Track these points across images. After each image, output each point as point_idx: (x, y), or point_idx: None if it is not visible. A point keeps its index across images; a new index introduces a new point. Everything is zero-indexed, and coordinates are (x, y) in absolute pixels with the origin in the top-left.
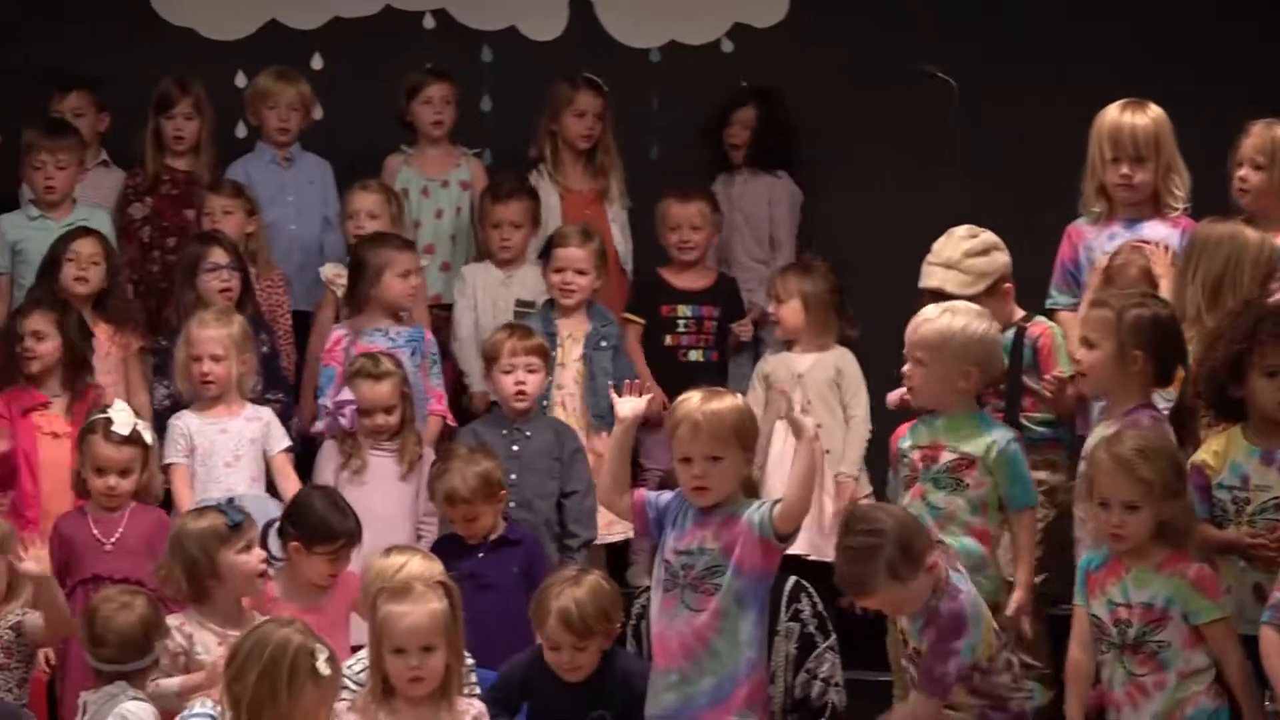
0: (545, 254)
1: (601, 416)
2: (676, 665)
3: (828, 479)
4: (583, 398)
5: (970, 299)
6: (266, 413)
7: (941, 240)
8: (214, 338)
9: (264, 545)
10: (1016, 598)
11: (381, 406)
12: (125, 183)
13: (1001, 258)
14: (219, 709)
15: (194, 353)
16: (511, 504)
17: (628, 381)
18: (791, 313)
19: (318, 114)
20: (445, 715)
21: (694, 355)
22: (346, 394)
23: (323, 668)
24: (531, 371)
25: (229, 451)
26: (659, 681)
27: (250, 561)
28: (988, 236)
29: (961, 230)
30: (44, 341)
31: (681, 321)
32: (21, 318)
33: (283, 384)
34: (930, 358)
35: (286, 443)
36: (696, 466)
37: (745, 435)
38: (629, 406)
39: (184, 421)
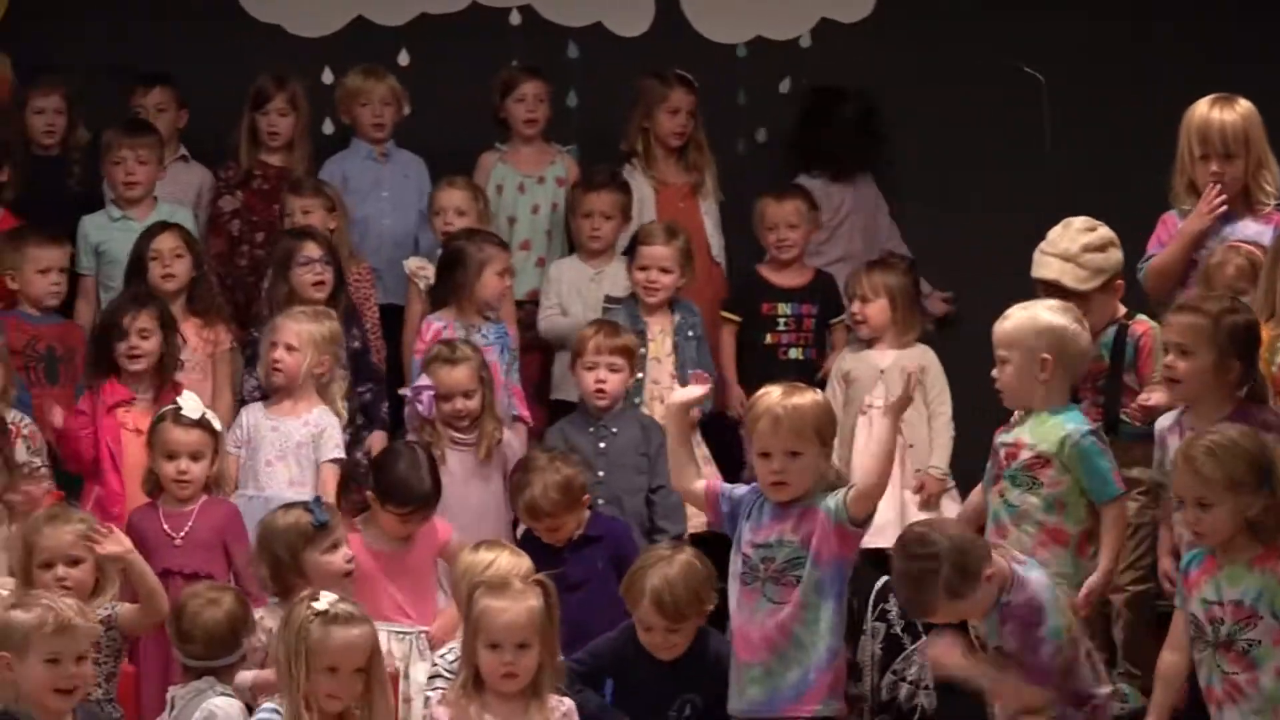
0: (630, 251)
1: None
2: (760, 659)
3: (909, 474)
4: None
5: (1083, 294)
6: (328, 421)
7: (1058, 230)
8: (294, 329)
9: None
10: (1090, 582)
11: (459, 390)
12: (217, 175)
13: (1117, 255)
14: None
15: (271, 339)
16: (600, 501)
17: (692, 372)
18: (878, 311)
19: (407, 109)
20: (535, 712)
21: (794, 353)
22: (424, 380)
23: (321, 605)
24: (614, 370)
25: (273, 449)
26: (743, 676)
27: (335, 562)
28: (1105, 231)
29: (1079, 222)
30: (149, 339)
31: (781, 320)
32: (124, 315)
33: (373, 376)
34: (1009, 354)
35: (337, 454)
36: (775, 461)
37: (824, 431)
38: (681, 393)
39: (246, 412)
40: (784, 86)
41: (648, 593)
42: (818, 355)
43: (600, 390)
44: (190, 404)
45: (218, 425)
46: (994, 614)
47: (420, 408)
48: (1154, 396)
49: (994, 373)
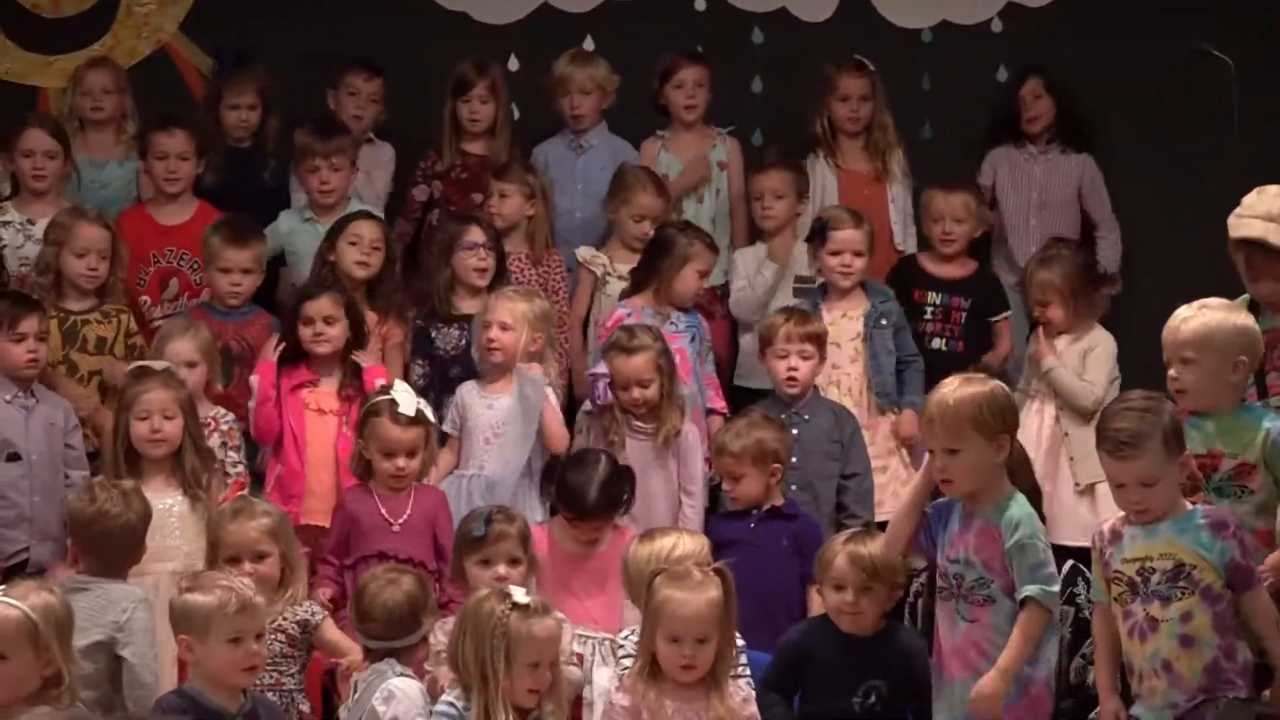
0: (816, 236)
1: (886, 395)
2: (960, 678)
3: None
4: (859, 376)
5: None
6: (530, 394)
7: (1253, 196)
8: (508, 308)
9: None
10: (1272, 558)
11: (635, 380)
12: (419, 165)
13: None
14: (462, 701)
15: (486, 319)
16: (793, 486)
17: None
18: (1056, 312)
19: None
20: (714, 699)
21: (936, 343)
22: (602, 368)
23: (520, 598)
24: (805, 358)
25: (489, 428)
26: (955, 693)
27: (483, 578)
28: None
29: (1274, 189)
30: (334, 325)
31: (929, 308)
32: (311, 302)
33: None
34: (1199, 355)
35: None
36: (938, 459)
37: (986, 424)
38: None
39: (462, 393)
40: (967, 71)
41: (843, 551)
42: (963, 348)
43: (792, 378)
44: (405, 399)
45: (431, 416)
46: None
47: (597, 395)
48: None
49: (1171, 374)
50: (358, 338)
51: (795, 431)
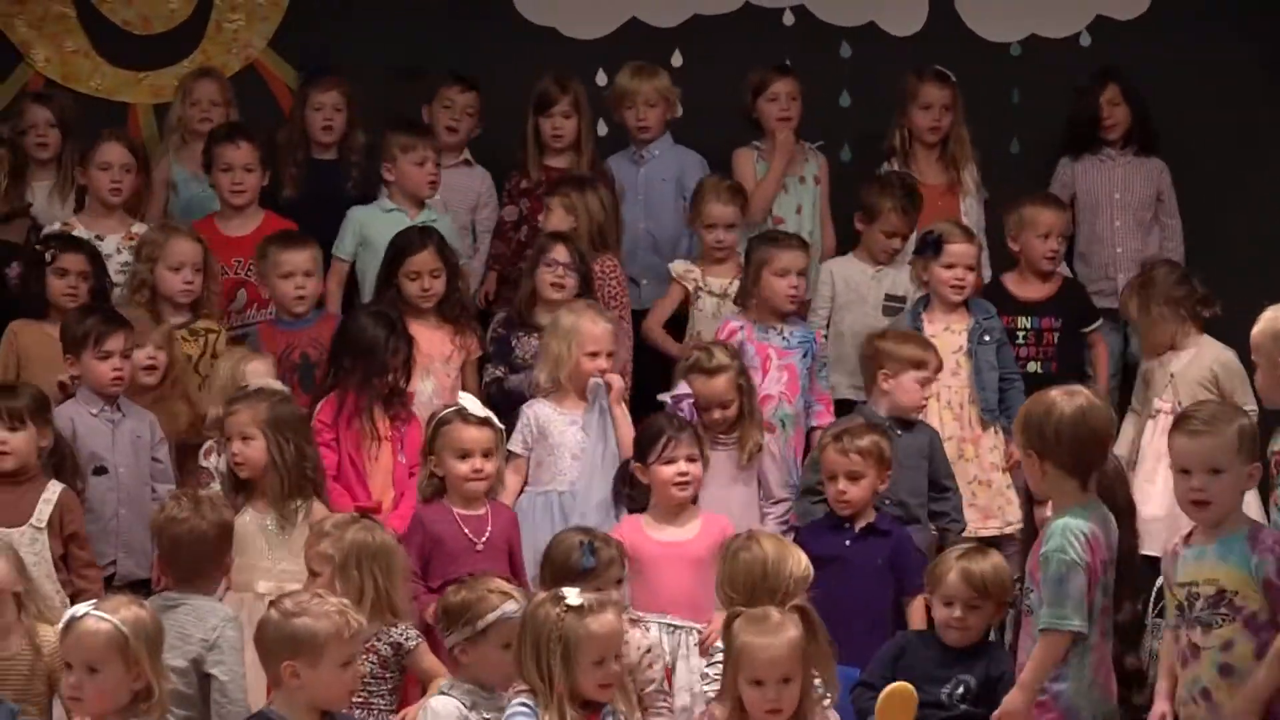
0: (929, 249)
1: (991, 410)
2: None
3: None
4: (961, 390)
5: None
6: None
7: None
8: (606, 333)
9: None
10: None
11: (716, 402)
12: (505, 186)
13: None
14: (537, 705)
15: (589, 349)
16: (886, 502)
17: None
18: (1158, 332)
19: (678, 111)
20: None
21: (1032, 367)
22: (684, 387)
23: (573, 600)
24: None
25: (576, 444)
26: None
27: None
28: None
29: None
30: (399, 357)
31: (1021, 333)
32: (384, 344)
33: None
34: (1256, 358)
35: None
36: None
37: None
38: None
39: (535, 410)
40: (1056, 84)
41: (956, 567)
42: (1058, 369)
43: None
44: (473, 403)
45: (499, 424)
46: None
47: (682, 415)
48: None
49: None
50: (409, 365)
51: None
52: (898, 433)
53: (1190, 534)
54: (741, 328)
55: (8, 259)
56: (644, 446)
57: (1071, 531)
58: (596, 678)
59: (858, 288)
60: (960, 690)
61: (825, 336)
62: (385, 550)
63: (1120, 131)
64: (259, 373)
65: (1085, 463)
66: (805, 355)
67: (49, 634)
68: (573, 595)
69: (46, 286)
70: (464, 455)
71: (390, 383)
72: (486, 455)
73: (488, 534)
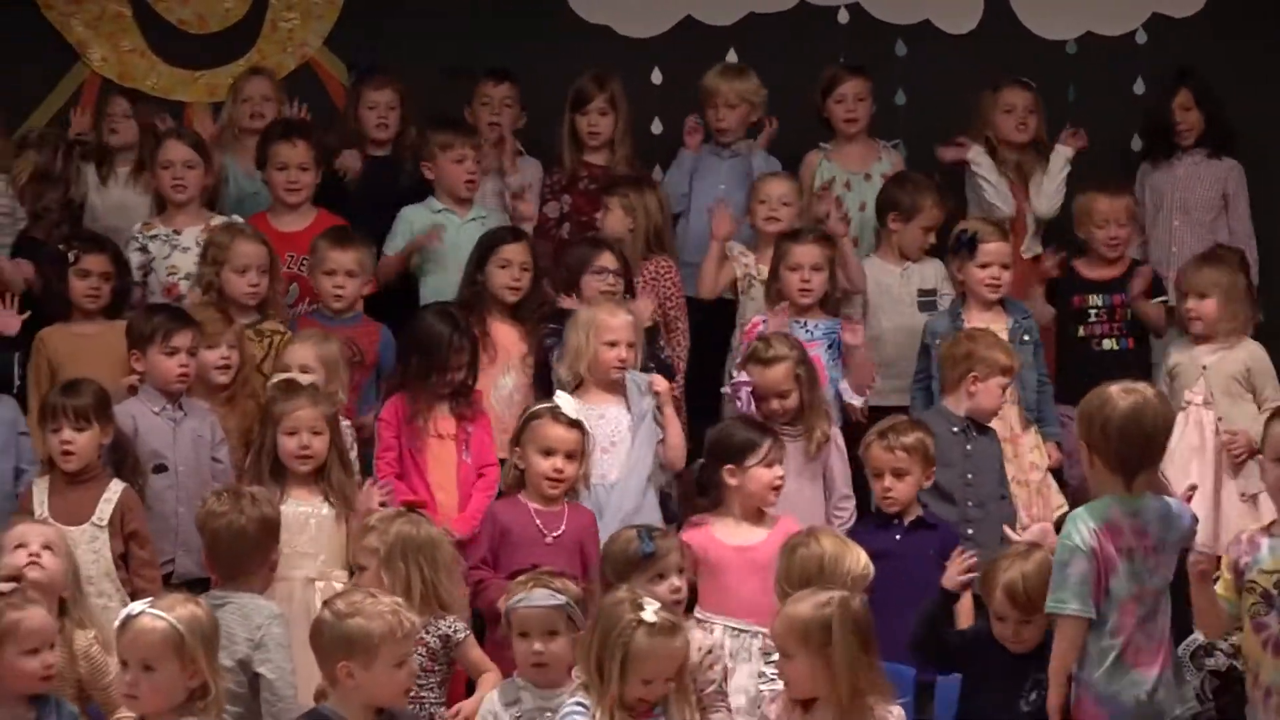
0: (963, 248)
1: (1031, 410)
2: None
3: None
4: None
5: None
6: (647, 403)
7: None
8: (625, 324)
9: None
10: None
11: (774, 391)
12: (543, 182)
13: None
14: (590, 702)
15: (607, 339)
16: (969, 504)
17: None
18: (1210, 308)
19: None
20: None
21: (1107, 344)
22: (743, 376)
23: (649, 616)
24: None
25: (605, 438)
26: None
27: (658, 592)
28: None
29: None
30: (463, 356)
31: (1093, 311)
32: (450, 343)
33: (667, 371)
34: None
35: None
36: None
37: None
38: None
39: (563, 403)
40: (1112, 81)
41: (1001, 584)
42: (1134, 345)
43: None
44: (567, 404)
45: (589, 429)
46: None
47: (739, 404)
48: None
49: None
50: (475, 363)
51: (969, 448)
52: (973, 434)
53: (1272, 524)
54: (765, 320)
55: (35, 257)
56: (740, 449)
57: (1080, 519)
58: (639, 692)
59: (888, 289)
60: (1035, 693)
61: None
62: (431, 543)
63: (1194, 136)
64: (298, 356)
65: (1132, 461)
66: (830, 346)
67: (84, 641)
68: (650, 611)
69: (68, 287)
70: (548, 453)
71: (454, 381)
72: (570, 457)
73: (560, 530)
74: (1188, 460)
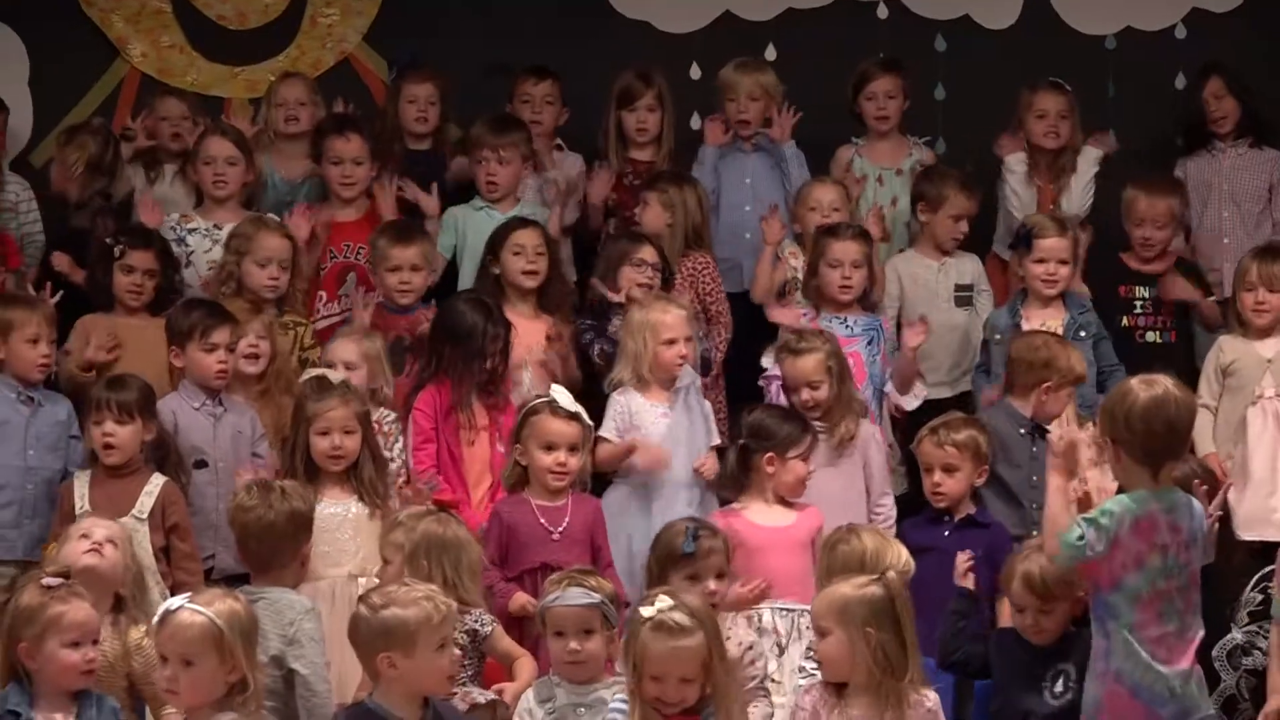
0: (1021, 243)
1: (1087, 406)
2: None
3: None
4: None
5: None
6: (707, 407)
7: None
8: (680, 319)
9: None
10: None
11: (804, 381)
12: (588, 177)
13: None
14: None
15: (666, 338)
16: (1034, 506)
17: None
18: (1277, 300)
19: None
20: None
21: (1151, 336)
22: (775, 369)
23: (649, 612)
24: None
25: (665, 436)
26: None
27: (692, 593)
28: None
29: None
30: (498, 345)
31: (1139, 302)
32: (483, 331)
33: (706, 364)
34: None
35: (714, 440)
36: None
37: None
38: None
39: (628, 399)
40: (1152, 77)
41: (1020, 574)
42: (1176, 338)
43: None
44: (564, 397)
45: (589, 420)
46: None
47: (769, 397)
48: None
49: None
50: (508, 353)
51: (1035, 450)
52: (1038, 437)
53: None
54: (806, 315)
55: (81, 247)
56: (785, 440)
57: (1121, 505)
58: (654, 690)
59: (926, 283)
60: (1062, 682)
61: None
62: (456, 543)
63: (1230, 124)
64: (341, 353)
65: (1157, 453)
66: (870, 343)
67: (137, 635)
68: (654, 608)
69: (113, 281)
70: (549, 447)
71: (489, 368)
72: (572, 450)
73: (565, 524)
74: (1273, 454)
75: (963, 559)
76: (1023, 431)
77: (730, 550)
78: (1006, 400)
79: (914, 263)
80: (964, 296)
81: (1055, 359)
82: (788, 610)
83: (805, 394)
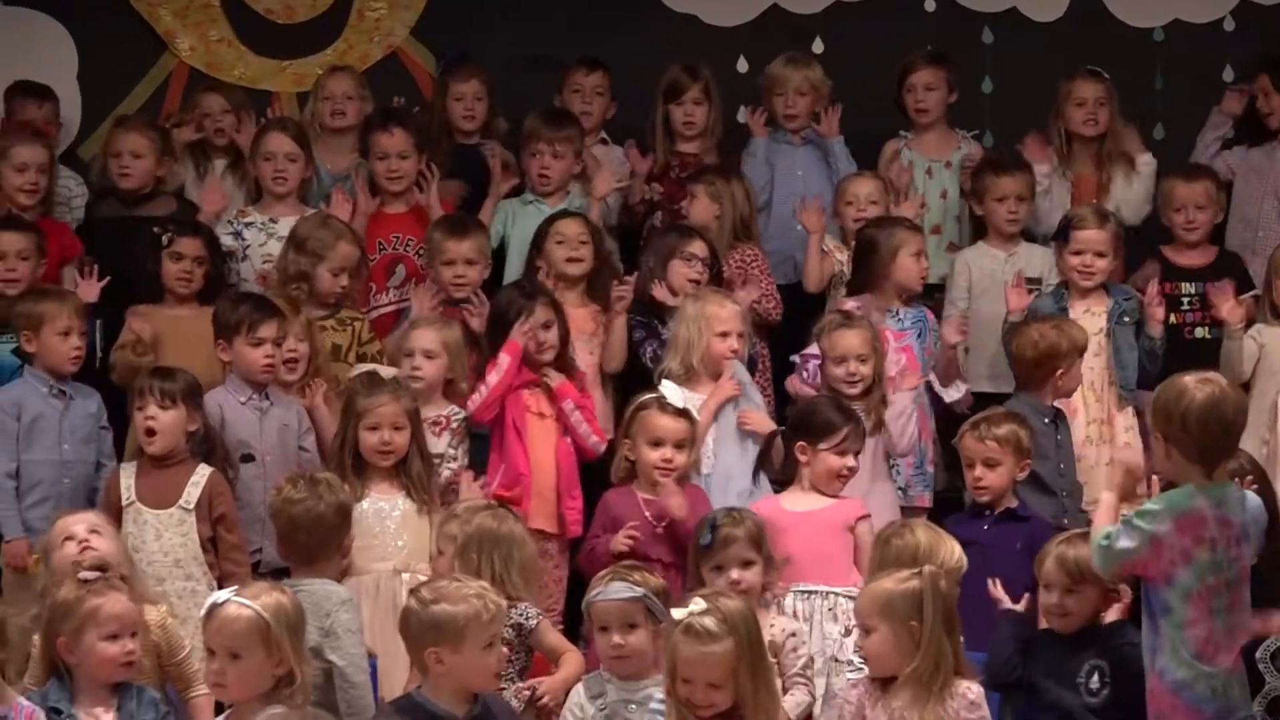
0: (1061, 235)
1: (1130, 389)
2: None
3: None
4: (1102, 370)
5: None
6: (755, 394)
7: None
8: (735, 314)
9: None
10: None
11: (854, 354)
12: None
13: None
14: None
15: (719, 330)
16: (1063, 493)
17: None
18: None
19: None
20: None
21: (1199, 333)
22: (813, 349)
23: (680, 615)
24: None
25: (713, 428)
26: None
27: (718, 584)
28: None
29: None
30: (551, 330)
31: (1185, 299)
32: (524, 310)
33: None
34: None
35: (769, 427)
36: None
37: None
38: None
39: (671, 393)
40: (1200, 70)
41: (1054, 554)
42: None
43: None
44: (673, 393)
45: (698, 416)
46: None
47: (805, 375)
48: None
49: None
50: (566, 339)
51: (1060, 438)
52: (1059, 424)
53: None
54: (858, 306)
55: (133, 237)
56: (817, 429)
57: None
58: (684, 691)
59: (992, 274)
60: (1095, 677)
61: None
62: (509, 539)
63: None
64: (422, 341)
65: (1211, 452)
66: (920, 335)
67: (156, 615)
68: (682, 610)
69: (162, 270)
70: (656, 443)
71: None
72: (679, 446)
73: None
74: None
75: (995, 589)
76: (1046, 421)
77: (761, 536)
78: (1021, 394)
79: (983, 254)
80: (1030, 290)
81: (1056, 345)
82: (809, 592)
83: (852, 365)
